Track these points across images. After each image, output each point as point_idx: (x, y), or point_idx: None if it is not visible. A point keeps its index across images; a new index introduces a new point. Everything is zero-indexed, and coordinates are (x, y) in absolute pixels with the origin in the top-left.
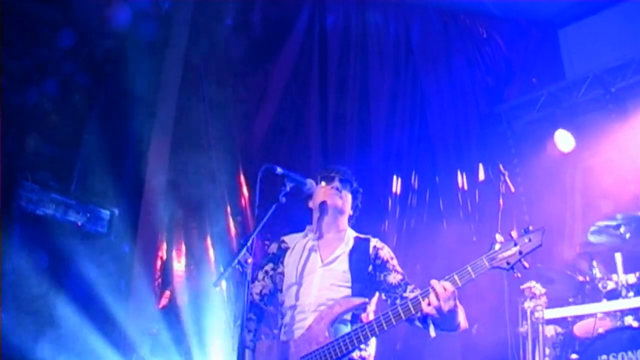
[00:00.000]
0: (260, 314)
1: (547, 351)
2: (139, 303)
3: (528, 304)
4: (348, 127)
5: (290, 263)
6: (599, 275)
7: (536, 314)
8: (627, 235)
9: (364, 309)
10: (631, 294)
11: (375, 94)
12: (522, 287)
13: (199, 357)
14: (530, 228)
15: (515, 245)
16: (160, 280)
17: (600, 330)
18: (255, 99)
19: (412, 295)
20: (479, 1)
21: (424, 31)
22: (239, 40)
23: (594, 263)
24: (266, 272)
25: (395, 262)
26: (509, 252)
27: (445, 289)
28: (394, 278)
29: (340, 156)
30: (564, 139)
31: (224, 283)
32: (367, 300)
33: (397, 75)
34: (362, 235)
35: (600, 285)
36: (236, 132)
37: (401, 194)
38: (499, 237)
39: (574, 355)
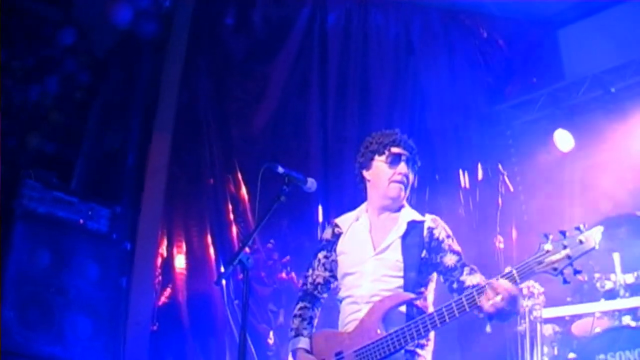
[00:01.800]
0: (315, 302)
1: (545, 350)
2: (140, 300)
3: (526, 303)
4: (348, 126)
5: (344, 251)
6: (597, 275)
7: (534, 313)
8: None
9: (423, 298)
10: (629, 294)
11: (375, 94)
12: (520, 286)
13: (199, 354)
14: (584, 227)
15: (565, 248)
16: (160, 277)
17: (598, 329)
18: (255, 97)
19: (469, 280)
20: (480, 1)
21: (424, 31)
22: (239, 39)
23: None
24: (319, 260)
25: (451, 240)
26: (557, 256)
27: (508, 292)
28: (450, 260)
29: (340, 155)
30: (563, 139)
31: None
32: (414, 295)
33: (398, 76)
34: (417, 218)
35: (598, 284)
36: (236, 130)
37: None
38: (550, 236)
39: (571, 355)
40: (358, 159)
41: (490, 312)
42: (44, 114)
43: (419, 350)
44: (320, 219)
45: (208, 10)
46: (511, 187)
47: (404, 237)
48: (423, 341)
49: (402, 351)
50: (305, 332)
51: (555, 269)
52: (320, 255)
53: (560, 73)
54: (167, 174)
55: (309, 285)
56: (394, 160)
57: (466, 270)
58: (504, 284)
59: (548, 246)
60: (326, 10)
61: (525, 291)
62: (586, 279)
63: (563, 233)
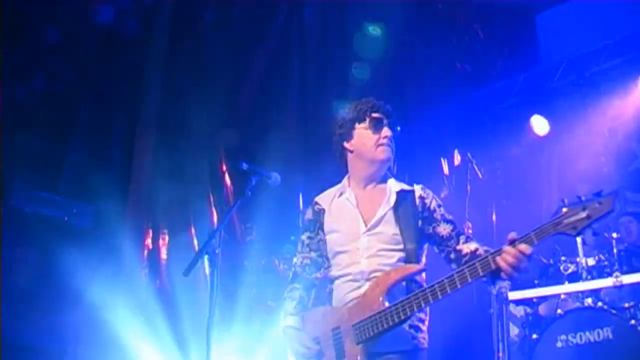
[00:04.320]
0: (305, 282)
1: (516, 331)
2: (127, 292)
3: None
4: (327, 118)
5: (333, 229)
6: (563, 258)
7: (501, 296)
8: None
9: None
10: (591, 276)
11: (354, 86)
12: None
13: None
14: (603, 192)
15: (584, 209)
16: (147, 269)
17: (559, 311)
18: (237, 91)
19: (466, 248)
20: None
21: (402, 20)
22: (220, 35)
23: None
24: (302, 242)
25: (443, 210)
26: (576, 217)
27: (523, 253)
28: (444, 229)
29: (321, 147)
30: (539, 123)
31: (207, 270)
32: (423, 267)
33: (376, 67)
34: (406, 187)
35: (562, 268)
36: (219, 124)
37: None
38: (566, 201)
39: (534, 335)
40: (336, 131)
41: (508, 273)
42: (31, 112)
43: (422, 326)
44: (301, 206)
45: (188, 7)
46: (480, 174)
47: (395, 208)
48: (422, 315)
49: (407, 325)
50: (294, 311)
51: (574, 228)
52: (304, 237)
53: (537, 58)
54: (151, 168)
55: (297, 268)
56: (377, 124)
57: (462, 238)
58: (520, 247)
59: (565, 210)
60: (303, 4)
61: None
62: (552, 262)
63: (579, 197)
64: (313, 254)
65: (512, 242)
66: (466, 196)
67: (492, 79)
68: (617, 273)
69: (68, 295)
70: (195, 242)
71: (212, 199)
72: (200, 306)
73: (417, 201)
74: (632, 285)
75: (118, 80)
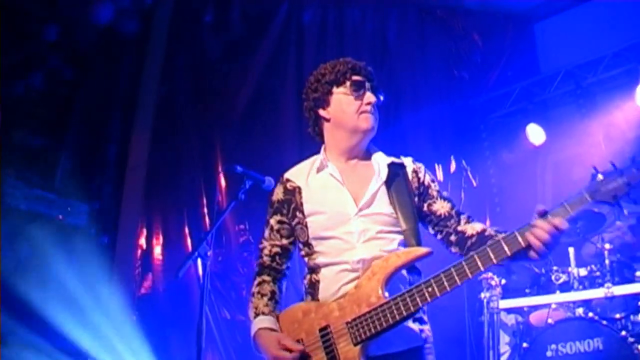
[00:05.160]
0: (276, 274)
1: (507, 339)
2: (120, 291)
3: (484, 294)
4: None
5: (316, 210)
6: (555, 268)
7: (492, 304)
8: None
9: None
10: (582, 287)
11: None
12: (479, 277)
13: (176, 343)
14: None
15: (622, 175)
16: (140, 269)
17: (550, 320)
18: (234, 93)
19: (470, 228)
20: None
21: (400, 26)
22: (218, 36)
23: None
24: (271, 227)
25: (437, 185)
26: (614, 184)
27: (557, 228)
28: (442, 207)
29: (315, 149)
30: (535, 132)
31: (200, 271)
32: (430, 250)
33: (374, 71)
34: (395, 160)
35: (553, 277)
36: (215, 126)
37: None
38: (599, 168)
39: (525, 344)
40: (309, 96)
41: (539, 251)
42: (28, 110)
43: (424, 317)
44: None
45: (187, 8)
46: (474, 181)
47: (388, 184)
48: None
49: (411, 319)
50: (266, 310)
51: (614, 197)
52: (273, 221)
53: (535, 67)
54: (146, 168)
55: (264, 258)
56: (358, 88)
57: (463, 218)
58: (554, 221)
59: (600, 176)
60: (303, 7)
61: (484, 283)
62: (543, 271)
63: (613, 164)
64: (284, 241)
65: (544, 215)
66: (460, 204)
67: (490, 88)
68: (609, 284)
69: (59, 293)
70: (189, 242)
71: (205, 200)
72: (191, 307)
73: (411, 175)
74: (623, 296)
75: (116, 79)
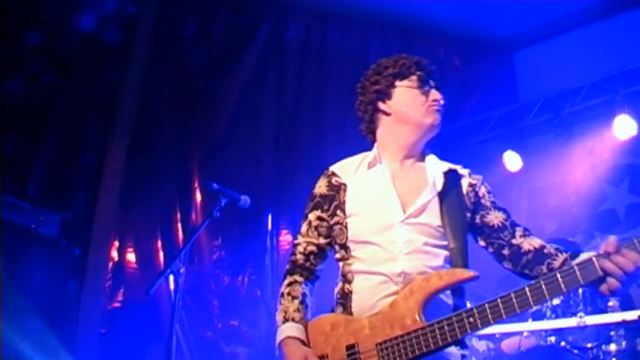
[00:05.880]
0: (308, 275)
1: None
2: (90, 303)
3: None
4: (301, 140)
5: (357, 212)
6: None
7: None
8: None
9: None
10: (555, 315)
11: (330, 110)
12: None
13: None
14: None
15: None
16: (110, 281)
17: (522, 348)
18: (214, 107)
19: (527, 243)
20: (439, 22)
21: (382, 49)
22: (200, 50)
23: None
24: (309, 223)
25: (492, 196)
26: None
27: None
28: (495, 217)
29: (292, 169)
30: (512, 159)
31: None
32: (477, 274)
33: (353, 92)
34: (452, 166)
35: None
36: (194, 140)
37: None
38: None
39: None
40: (368, 88)
41: (617, 283)
42: (6, 113)
43: (467, 342)
44: (270, 227)
45: (170, 19)
46: None
47: (442, 195)
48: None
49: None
50: (297, 316)
51: None
52: (312, 216)
53: (514, 95)
54: (122, 179)
55: (297, 256)
56: (424, 83)
57: (519, 230)
58: (630, 255)
59: None
60: (286, 25)
61: None
62: None
63: None
64: (322, 240)
65: (617, 247)
66: None
67: (468, 113)
68: (582, 313)
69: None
70: (162, 257)
71: (180, 216)
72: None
73: (467, 189)
74: (595, 326)
75: (96, 88)
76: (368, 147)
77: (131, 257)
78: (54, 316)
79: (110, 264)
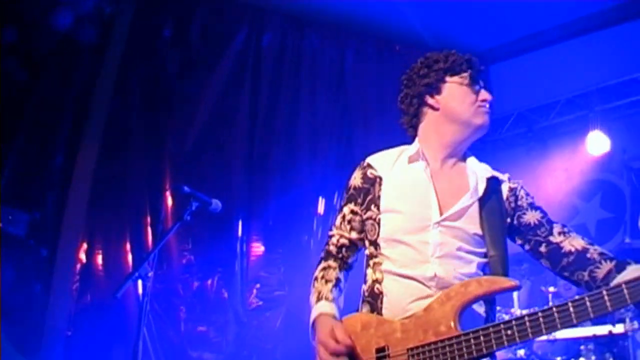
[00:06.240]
0: (342, 264)
1: None
2: (57, 305)
3: None
4: (275, 146)
5: (391, 207)
6: (498, 308)
7: None
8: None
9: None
10: None
11: (304, 116)
12: None
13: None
14: None
15: None
16: (78, 284)
17: None
18: (188, 110)
19: (569, 244)
20: (415, 33)
21: (358, 57)
22: (176, 52)
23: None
24: (344, 216)
25: (531, 198)
26: None
27: None
28: (531, 216)
29: (265, 175)
30: None
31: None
32: (519, 283)
33: (328, 100)
34: (495, 173)
35: (496, 318)
36: (166, 143)
37: (324, 214)
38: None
39: None
40: (416, 81)
41: None
42: None
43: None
44: (240, 233)
45: (147, 21)
46: None
47: (482, 201)
48: None
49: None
50: (330, 296)
51: None
52: (347, 209)
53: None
54: (92, 181)
55: (331, 247)
56: (475, 82)
57: (556, 227)
58: None
59: None
60: (263, 30)
61: None
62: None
63: None
64: (354, 235)
65: None
66: None
67: None
68: None
69: None
70: (130, 259)
71: (150, 218)
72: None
73: (507, 194)
74: (565, 340)
75: (69, 87)
76: (344, 155)
77: (99, 259)
78: (20, 317)
79: (78, 265)
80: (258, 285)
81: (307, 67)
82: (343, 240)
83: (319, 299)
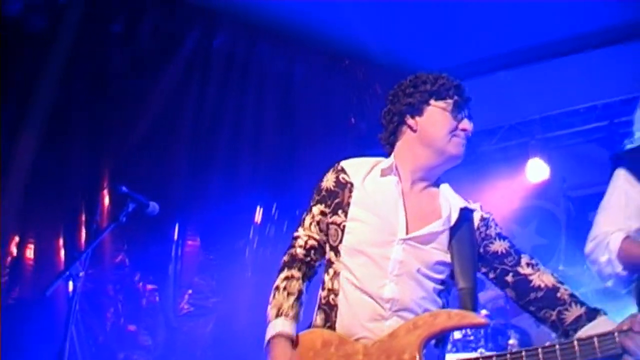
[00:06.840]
0: (306, 271)
1: None
2: None
3: None
4: (218, 152)
5: (357, 216)
6: None
7: None
8: None
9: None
10: (455, 349)
11: (249, 124)
12: None
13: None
14: None
15: None
16: (7, 277)
17: None
18: (132, 109)
19: (537, 279)
20: (366, 49)
21: (306, 69)
22: (125, 50)
23: None
24: (313, 216)
25: (499, 228)
26: None
27: None
28: (499, 245)
29: (206, 180)
30: None
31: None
32: (488, 321)
33: (273, 109)
34: (467, 203)
35: None
36: (108, 142)
37: (261, 223)
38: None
39: None
40: (400, 99)
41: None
42: None
43: None
44: (176, 237)
45: (98, 14)
46: None
47: (453, 231)
48: None
49: None
50: (291, 313)
51: None
52: (316, 210)
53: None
54: (28, 174)
55: (297, 249)
56: (459, 110)
57: (524, 257)
58: None
59: None
60: (214, 33)
61: None
62: None
63: None
64: (323, 237)
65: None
66: None
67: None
68: (482, 349)
69: None
70: (62, 256)
71: (85, 217)
72: (57, 325)
73: (478, 223)
74: None
75: (12, 75)
76: (286, 167)
77: (30, 253)
78: None
79: (9, 258)
80: (190, 291)
81: (255, 74)
82: (312, 242)
83: (278, 314)
